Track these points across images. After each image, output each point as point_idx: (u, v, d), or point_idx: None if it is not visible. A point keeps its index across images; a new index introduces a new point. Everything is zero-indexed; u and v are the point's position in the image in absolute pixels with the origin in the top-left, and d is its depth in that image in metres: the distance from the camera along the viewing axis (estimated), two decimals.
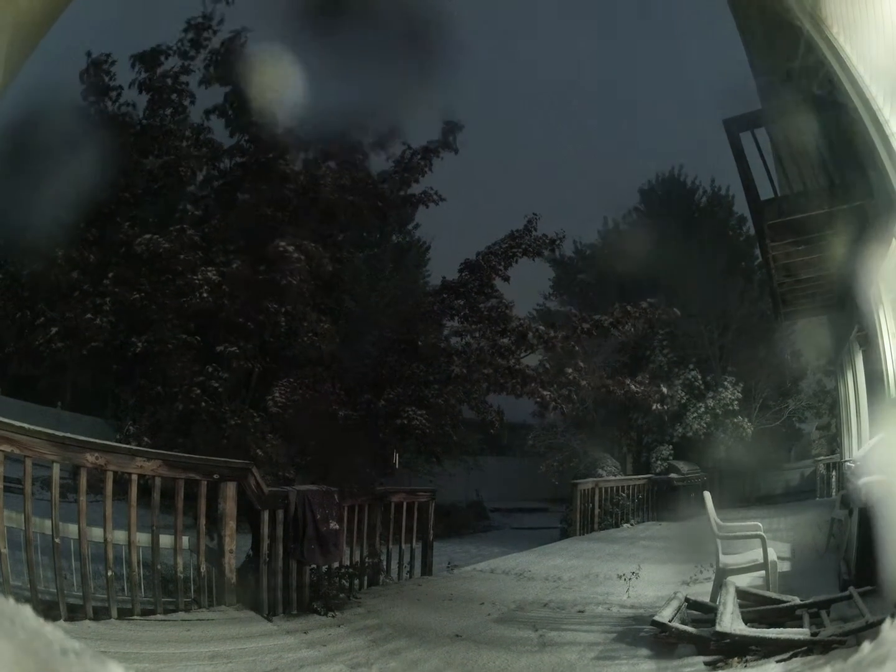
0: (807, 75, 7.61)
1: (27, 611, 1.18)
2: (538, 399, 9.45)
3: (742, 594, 6.23)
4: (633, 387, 10.46)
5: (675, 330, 19.53)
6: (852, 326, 10.28)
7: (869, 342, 9.22)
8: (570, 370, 9.71)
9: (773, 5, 7.51)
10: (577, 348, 10.12)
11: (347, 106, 9.95)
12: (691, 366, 19.37)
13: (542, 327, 9.34)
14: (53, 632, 1.16)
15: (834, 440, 18.55)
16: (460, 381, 9.21)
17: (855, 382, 11.20)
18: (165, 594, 6.27)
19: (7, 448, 4.95)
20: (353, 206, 9.39)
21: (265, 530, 7.33)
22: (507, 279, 10.06)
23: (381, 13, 9.18)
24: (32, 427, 5.20)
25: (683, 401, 19.06)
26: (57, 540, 5.29)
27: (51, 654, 1.07)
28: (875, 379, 9.15)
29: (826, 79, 6.81)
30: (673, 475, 17.37)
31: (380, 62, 9.71)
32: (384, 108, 9.94)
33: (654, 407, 11.98)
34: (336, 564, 8.25)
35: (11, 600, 1.26)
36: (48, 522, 5.37)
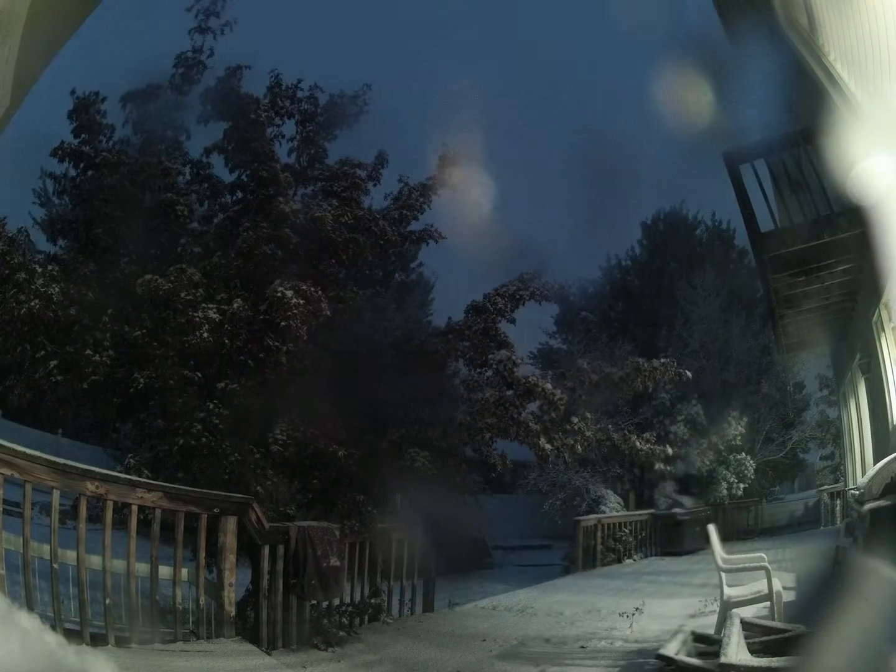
0: (805, 103, 7.69)
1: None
2: (539, 452, 9.42)
3: (747, 625, 6.15)
4: (637, 444, 10.41)
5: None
6: (854, 355, 10.29)
7: (871, 369, 9.21)
8: (575, 419, 9.66)
9: (771, 33, 7.61)
10: (583, 398, 10.12)
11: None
12: (694, 401, 19.31)
13: (549, 386, 9.27)
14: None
15: (838, 469, 18.55)
16: (464, 427, 9.20)
17: (858, 410, 11.18)
18: (164, 624, 6.23)
19: (7, 471, 4.97)
20: (355, 243, 9.40)
21: (265, 565, 7.30)
22: (513, 321, 10.08)
23: None
24: (33, 452, 5.22)
25: (686, 436, 19.03)
26: (55, 565, 5.28)
27: None
28: (878, 406, 9.13)
29: (823, 106, 6.87)
30: (676, 510, 17.32)
31: None
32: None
33: (656, 466, 11.93)
34: (337, 601, 8.20)
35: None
36: (47, 547, 5.37)
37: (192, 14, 9.25)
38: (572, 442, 9.63)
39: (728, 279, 21.41)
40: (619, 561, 15.95)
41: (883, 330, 8.52)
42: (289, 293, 8.00)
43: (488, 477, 16.16)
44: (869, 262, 7.71)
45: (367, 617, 8.74)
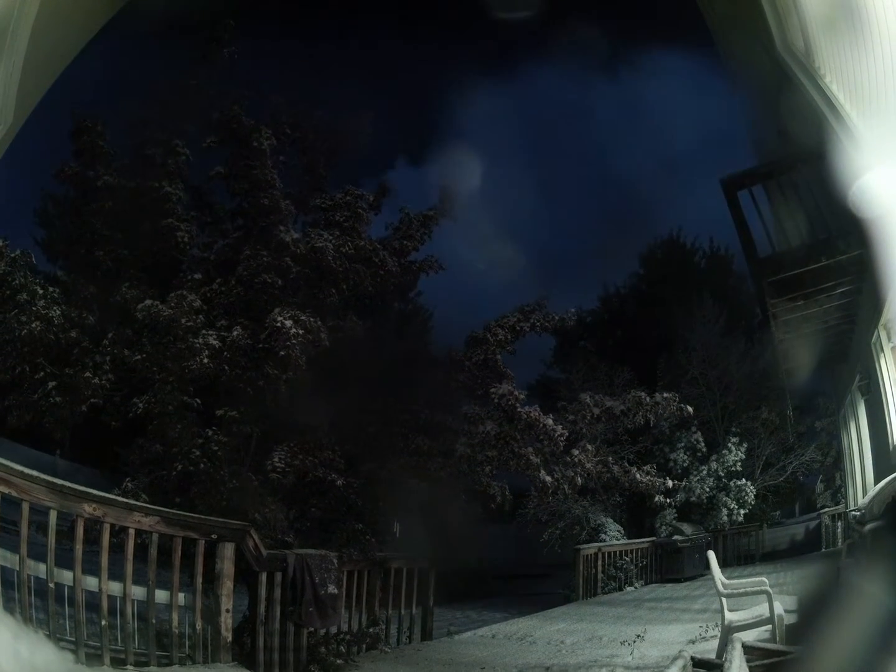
0: (802, 127, 7.71)
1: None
2: (539, 484, 9.41)
3: (748, 649, 6.09)
4: (638, 476, 10.44)
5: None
6: (854, 377, 10.28)
7: (871, 391, 9.19)
8: (576, 452, 9.66)
9: (766, 55, 7.67)
10: (584, 431, 10.12)
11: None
12: (693, 428, 19.23)
13: (550, 422, 9.27)
14: None
15: (839, 492, 18.42)
16: (465, 460, 9.19)
17: (858, 432, 11.15)
18: (160, 648, 6.19)
19: (4, 489, 4.97)
20: (356, 273, 9.42)
21: (262, 592, 7.27)
22: (512, 353, 10.10)
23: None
24: (31, 472, 5.23)
25: (686, 464, 18.96)
26: (51, 584, 5.26)
27: None
28: (878, 427, 9.11)
29: (820, 130, 6.90)
30: (677, 537, 17.22)
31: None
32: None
33: (656, 499, 11.95)
34: (335, 629, 8.14)
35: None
36: (43, 566, 5.35)
37: (196, 41, 9.36)
38: (572, 474, 9.63)
39: (727, 305, 21.41)
40: (621, 588, 15.84)
41: (882, 351, 8.52)
42: (287, 323, 8.03)
43: (487, 506, 16.10)
44: (867, 283, 7.73)
45: (365, 645, 8.66)
